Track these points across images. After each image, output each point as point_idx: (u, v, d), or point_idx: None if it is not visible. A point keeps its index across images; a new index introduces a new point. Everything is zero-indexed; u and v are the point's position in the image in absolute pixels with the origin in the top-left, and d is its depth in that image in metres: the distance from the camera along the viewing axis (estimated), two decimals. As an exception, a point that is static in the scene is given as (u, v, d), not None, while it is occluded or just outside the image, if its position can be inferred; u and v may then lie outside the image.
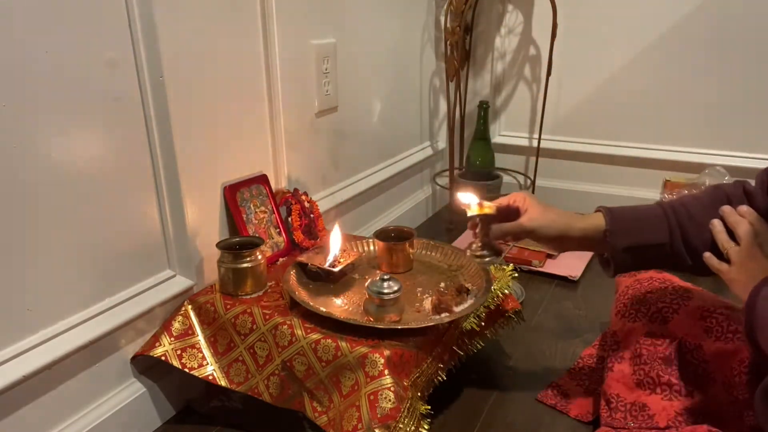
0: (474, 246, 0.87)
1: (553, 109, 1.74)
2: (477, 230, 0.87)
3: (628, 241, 0.81)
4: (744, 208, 0.78)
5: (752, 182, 0.83)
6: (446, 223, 1.73)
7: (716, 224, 0.79)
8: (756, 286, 0.69)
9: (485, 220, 0.85)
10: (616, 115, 1.69)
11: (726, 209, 0.79)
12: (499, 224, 0.85)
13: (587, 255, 1.49)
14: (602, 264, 0.88)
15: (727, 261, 0.77)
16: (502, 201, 0.86)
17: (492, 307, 0.97)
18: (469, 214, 0.85)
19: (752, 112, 1.54)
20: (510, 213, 0.86)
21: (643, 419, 0.83)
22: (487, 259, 0.87)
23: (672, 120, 1.63)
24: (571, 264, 1.43)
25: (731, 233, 0.78)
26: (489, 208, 0.85)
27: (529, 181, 1.83)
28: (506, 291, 1.00)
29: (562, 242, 0.84)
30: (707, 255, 0.79)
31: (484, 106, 1.71)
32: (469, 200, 0.85)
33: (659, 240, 0.81)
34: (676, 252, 0.81)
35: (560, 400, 0.98)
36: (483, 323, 0.95)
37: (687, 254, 0.81)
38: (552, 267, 1.42)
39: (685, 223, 0.81)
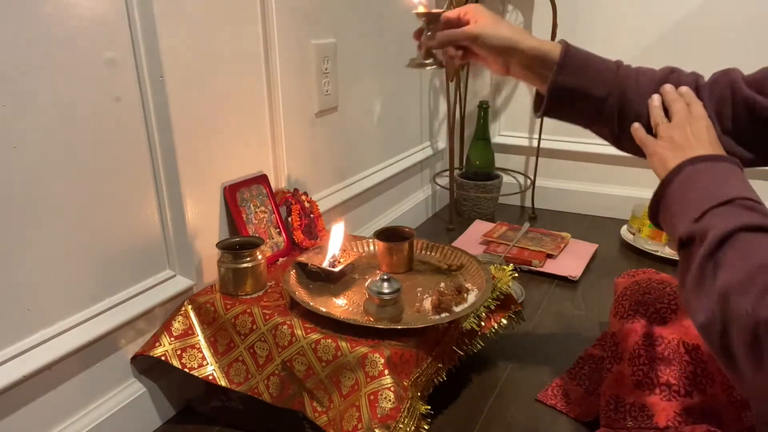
0: (417, 54, 0.83)
1: (553, 109, 1.74)
2: (422, 37, 0.83)
3: (571, 82, 0.77)
4: (684, 89, 0.76)
5: (706, 79, 0.80)
6: (446, 223, 1.73)
7: (655, 98, 0.76)
8: (679, 164, 0.67)
9: (432, 23, 0.81)
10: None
11: (667, 87, 0.76)
12: (445, 30, 0.80)
13: (587, 255, 1.49)
14: (535, 103, 0.85)
15: (655, 136, 0.75)
16: (452, 11, 0.82)
17: (492, 307, 0.97)
18: (414, 12, 0.81)
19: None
20: (460, 26, 0.80)
21: (642, 419, 0.83)
22: (428, 68, 0.83)
23: (672, 120, 1.63)
24: (571, 264, 1.43)
25: (667, 113, 0.75)
26: (436, 10, 0.81)
27: (529, 182, 1.83)
28: (506, 291, 1.00)
29: (508, 56, 0.79)
30: (636, 125, 0.76)
31: (484, 106, 1.71)
32: (417, 0, 0.82)
33: (599, 93, 0.78)
34: (607, 112, 0.78)
35: (560, 400, 0.98)
36: (483, 323, 0.95)
37: (617, 120, 0.78)
38: (552, 267, 1.42)
39: (631, 88, 0.77)
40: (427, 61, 0.83)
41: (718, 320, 0.55)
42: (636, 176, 1.70)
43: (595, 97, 0.78)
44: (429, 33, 0.81)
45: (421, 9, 0.81)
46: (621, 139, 0.80)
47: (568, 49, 0.78)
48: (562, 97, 0.79)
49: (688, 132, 0.71)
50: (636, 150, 0.78)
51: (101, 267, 0.83)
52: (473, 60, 0.83)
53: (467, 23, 0.80)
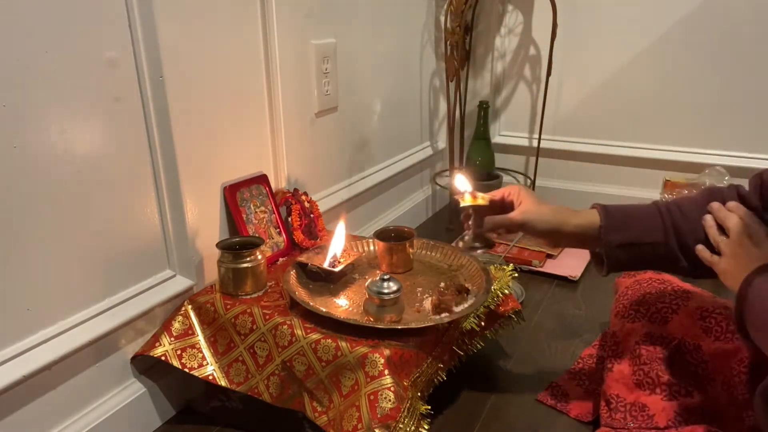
0: (466, 237, 0.87)
1: (553, 109, 1.74)
2: (470, 222, 0.86)
3: (622, 238, 0.81)
4: (732, 204, 0.79)
5: (747, 186, 0.83)
6: (446, 223, 1.73)
7: (708, 219, 0.79)
8: (748, 275, 0.70)
9: (478, 211, 0.85)
10: (616, 115, 1.69)
11: (714, 205, 0.80)
12: (492, 216, 0.84)
13: (587, 255, 1.48)
14: (595, 262, 0.87)
15: (719, 254, 0.77)
16: (496, 194, 0.86)
17: (492, 307, 0.97)
18: (462, 204, 0.85)
19: (752, 111, 1.54)
20: (504, 207, 0.85)
21: (642, 419, 0.83)
22: (478, 251, 0.87)
23: (672, 120, 1.63)
24: (571, 264, 1.43)
25: (723, 229, 0.78)
26: (482, 199, 0.85)
27: (529, 181, 1.83)
28: (506, 291, 1.00)
29: (556, 237, 0.84)
30: (700, 247, 0.79)
31: (484, 106, 1.71)
32: (463, 189, 0.86)
33: (654, 238, 0.80)
34: (671, 251, 0.81)
35: (560, 401, 0.98)
36: (483, 323, 0.95)
37: (681, 254, 0.81)
38: (552, 267, 1.42)
39: (680, 222, 0.81)
40: (477, 245, 0.88)
41: None
42: (636, 176, 1.70)
43: (652, 242, 0.81)
44: (476, 218, 0.86)
45: (469, 200, 0.85)
46: (695, 268, 0.82)
47: (605, 211, 0.82)
48: (621, 253, 0.81)
49: (747, 242, 0.75)
50: (711, 272, 0.79)
51: (101, 267, 0.83)
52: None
53: (511, 204, 0.85)
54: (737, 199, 0.80)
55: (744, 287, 0.69)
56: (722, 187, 0.84)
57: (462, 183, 0.86)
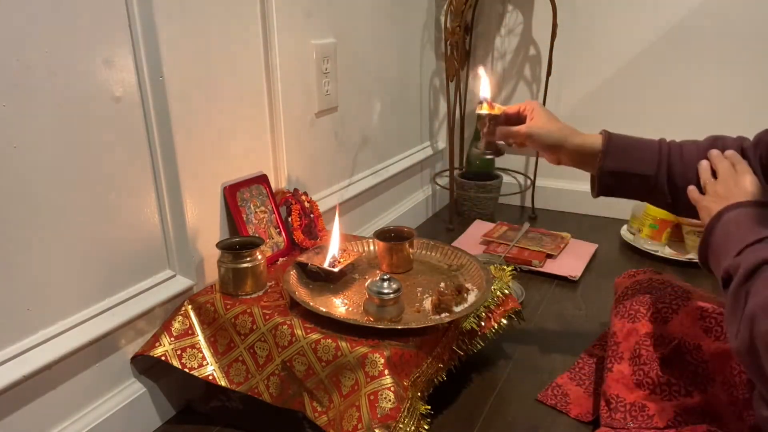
0: (480, 144, 0.94)
1: (553, 109, 1.71)
2: (484, 130, 0.93)
3: (615, 165, 0.87)
4: (729, 152, 0.82)
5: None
6: (446, 223, 1.73)
7: (703, 163, 0.83)
8: (720, 210, 0.73)
9: (493, 120, 0.91)
10: (616, 115, 1.69)
11: (714, 152, 0.83)
12: (505, 127, 0.91)
13: (587, 255, 1.49)
14: (592, 184, 0.93)
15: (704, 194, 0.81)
16: (513, 108, 0.93)
17: (492, 307, 0.97)
18: (479, 111, 0.92)
19: (752, 111, 1.54)
20: (520, 120, 0.92)
21: (642, 419, 0.83)
22: (488, 157, 0.94)
23: (672, 120, 1.63)
24: (571, 264, 1.43)
25: (715, 175, 0.81)
26: (498, 109, 0.92)
27: (529, 182, 1.83)
28: (506, 291, 1.00)
29: (557, 152, 0.90)
30: (692, 188, 0.82)
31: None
32: (483, 97, 0.91)
33: (644, 170, 0.86)
34: (659, 185, 0.86)
35: (560, 400, 0.98)
36: (483, 323, 0.95)
37: (668, 189, 0.86)
38: (552, 267, 1.42)
39: (675, 160, 0.85)
40: (488, 152, 0.95)
41: (747, 343, 0.59)
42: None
43: (643, 175, 0.86)
44: (490, 127, 0.92)
45: (486, 109, 0.91)
46: (677, 206, 0.88)
47: (609, 137, 0.88)
48: (612, 179, 0.88)
49: (731, 184, 0.77)
50: (692, 213, 0.83)
51: (101, 267, 0.83)
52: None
53: (525, 118, 0.91)
54: (739, 150, 0.83)
55: (714, 220, 0.73)
56: (728, 137, 0.87)
57: (484, 89, 0.92)
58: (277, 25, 1.03)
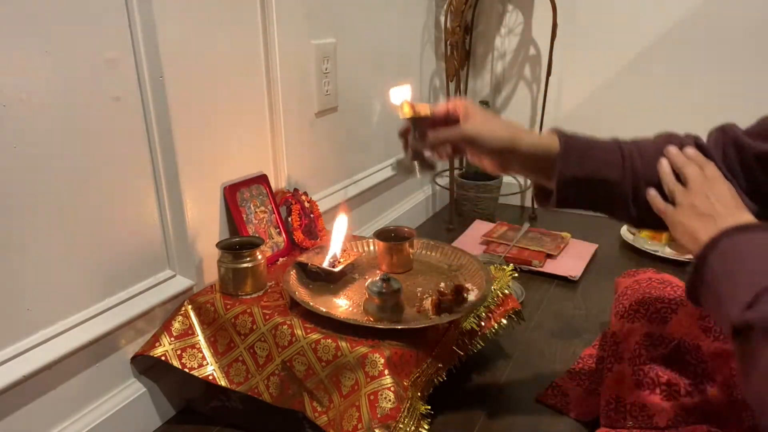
0: (403, 157, 0.76)
1: (553, 109, 1.74)
2: (409, 137, 0.76)
3: (580, 171, 0.72)
4: (690, 151, 0.71)
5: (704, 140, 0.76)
6: (446, 223, 1.73)
7: (664, 164, 0.71)
8: (713, 238, 0.61)
9: (419, 125, 0.74)
10: (616, 115, 1.69)
11: (672, 149, 0.72)
12: (436, 129, 0.74)
13: (587, 255, 1.49)
14: (540, 196, 0.79)
15: (673, 203, 0.70)
16: (440, 107, 0.76)
17: (492, 307, 0.97)
18: (401, 116, 0.74)
19: (751, 112, 1.53)
20: (449, 123, 0.75)
21: (642, 419, 0.83)
22: (418, 173, 0.76)
23: (671, 120, 1.63)
24: (571, 264, 1.43)
25: (680, 178, 0.70)
26: (424, 109, 0.74)
27: (529, 182, 1.83)
28: (506, 291, 1.00)
29: (506, 157, 0.74)
30: (653, 192, 0.71)
31: (484, 106, 1.71)
32: (402, 99, 0.74)
33: (611, 176, 0.72)
34: (623, 193, 0.73)
35: (560, 400, 0.98)
36: (483, 323, 0.95)
37: (632, 197, 0.73)
38: (552, 267, 1.42)
39: (637, 163, 0.72)
40: (415, 165, 0.76)
41: None
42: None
43: (609, 181, 0.73)
44: (417, 134, 0.75)
45: (407, 110, 0.74)
46: (641, 216, 0.74)
47: (566, 138, 0.74)
48: (573, 188, 0.74)
49: (709, 197, 0.66)
50: (658, 224, 0.72)
51: (101, 267, 0.83)
52: (464, 155, 0.78)
53: (457, 119, 0.75)
54: (694, 146, 0.73)
55: (707, 249, 0.61)
56: (679, 134, 0.76)
57: (399, 94, 0.75)
58: (277, 25, 1.03)
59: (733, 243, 0.60)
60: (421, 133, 0.74)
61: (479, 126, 0.73)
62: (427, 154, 0.76)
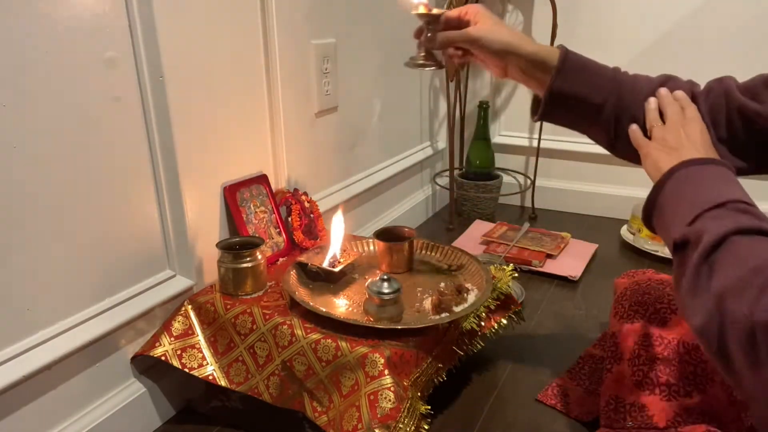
0: (416, 53, 0.82)
1: (553, 109, 1.74)
2: (422, 37, 0.81)
3: (567, 87, 0.77)
4: (679, 93, 0.76)
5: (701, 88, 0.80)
6: (446, 223, 1.73)
7: (651, 101, 0.76)
8: (671, 167, 0.67)
9: (432, 24, 0.80)
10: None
11: (662, 91, 0.76)
12: (446, 31, 0.80)
13: (587, 255, 1.49)
14: (532, 107, 0.85)
15: (649, 138, 0.75)
16: (453, 11, 0.81)
17: (492, 307, 0.97)
18: (414, 13, 0.79)
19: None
20: (461, 26, 0.81)
21: (642, 419, 0.83)
22: (427, 69, 0.83)
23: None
24: (571, 264, 1.43)
25: (663, 117, 0.75)
26: (437, 10, 0.80)
27: (529, 182, 1.83)
28: (506, 291, 1.00)
29: (507, 60, 0.79)
30: (634, 127, 0.77)
31: (484, 106, 1.71)
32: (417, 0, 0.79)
33: (594, 99, 0.77)
34: (604, 118, 0.78)
35: (560, 400, 0.98)
36: (483, 323, 0.95)
37: (613, 125, 0.78)
38: (552, 267, 1.42)
39: (626, 93, 0.77)
40: (427, 62, 0.82)
41: (714, 323, 0.55)
42: (636, 176, 1.69)
43: (592, 102, 0.78)
44: (429, 34, 0.80)
45: (422, 9, 0.79)
46: (616, 145, 0.80)
47: (566, 54, 0.78)
48: (559, 101, 0.79)
49: (681, 134, 0.71)
50: (630, 155, 0.78)
51: (101, 267, 0.83)
52: (472, 60, 0.84)
53: (467, 23, 0.80)
54: (690, 95, 0.77)
55: (665, 177, 0.67)
56: (680, 79, 0.80)
57: None
58: (277, 25, 1.03)
59: (687, 172, 0.66)
60: (432, 33, 0.80)
61: (485, 30, 0.78)
62: (437, 52, 0.82)
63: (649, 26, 1.58)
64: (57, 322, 0.79)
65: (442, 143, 1.79)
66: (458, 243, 1.55)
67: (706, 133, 0.72)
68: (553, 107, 0.80)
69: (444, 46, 0.81)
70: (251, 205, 1.02)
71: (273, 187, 1.09)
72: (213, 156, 0.96)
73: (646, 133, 0.76)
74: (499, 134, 1.89)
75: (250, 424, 0.93)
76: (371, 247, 1.08)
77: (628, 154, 0.78)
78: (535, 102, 0.84)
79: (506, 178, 1.85)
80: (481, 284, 0.94)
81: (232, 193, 0.99)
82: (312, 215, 1.11)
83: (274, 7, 1.01)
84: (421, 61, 0.82)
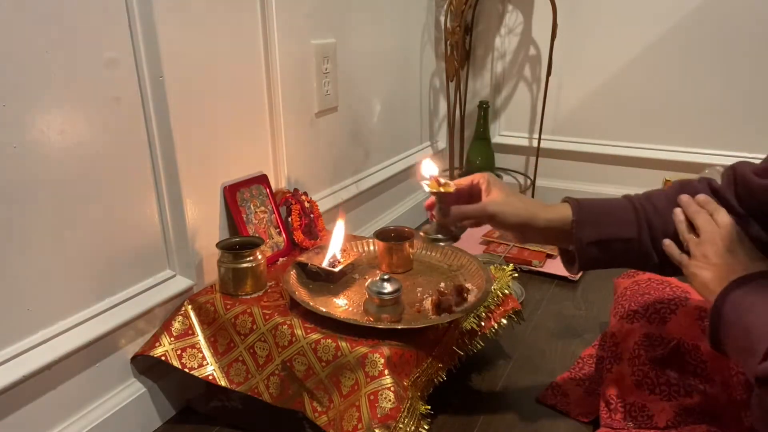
0: (428, 227, 0.81)
1: (553, 109, 1.74)
2: (434, 211, 0.79)
3: (596, 234, 0.76)
4: (702, 197, 0.74)
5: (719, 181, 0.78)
6: (446, 223, 1.73)
7: (678, 213, 0.75)
8: (723, 289, 0.65)
9: (443, 199, 0.78)
10: (616, 115, 1.69)
11: (684, 198, 0.75)
12: (459, 206, 0.78)
13: (587, 255, 1.49)
14: (565, 260, 0.84)
15: (688, 253, 0.73)
16: (464, 181, 0.80)
17: (492, 307, 0.97)
18: (426, 190, 0.78)
19: (752, 111, 1.54)
20: (471, 195, 0.80)
21: (642, 420, 0.83)
22: (441, 243, 0.81)
23: (672, 120, 1.63)
24: (571, 264, 1.43)
25: (693, 226, 0.73)
26: (448, 186, 0.77)
27: (528, 181, 1.83)
28: (506, 291, 1.00)
29: (525, 231, 0.78)
30: (667, 242, 0.75)
31: (484, 106, 1.71)
32: (428, 174, 0.79)
33: (627, 234, 0.76)
34: (644, 248, 0.76)
35: (560, 400, 0.98)
36: (483, 323, 0.95)
37: (653, 250, 0.76)
38: (552, 267, 1.42)
39: (652, 216, 0.76)
40: (443, 237, 0.80)
41: None
42: (636, 176, 1.70)
43: (625, 238, 0.76)
44: (441, 208, 0.78)
45: (431, 188, 0.77)
46: (665, 269, 0.78)
47: (578, 204, 0.77)
48: (594, 250, 0.77)
49: (719, 246, 0.69)
50: (680, 271, 0.75)
51: (101, 267, 0.83)
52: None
53: (479, 192, 0.79)
54: (709, 193, 0.76)
55: (719, 303, 0.65)
56: (694, 181, 0.79)
57: (428, 168, 0.79)
58: (277, 25, 1.03)
59: (743, 294, 0.63)
60: (445, 207, 0.78)
61: (499, 204, 0.77)
62: (451, 227, 0.80)
63: (650, 26, 1.58)
64: (57, 322, 0.79)
65: (442, 143, 1.79)
66: (458, 243, 1.54)
67: (745, 237, 0.70)
68: (589, 257, 0.78)
69: (458, 220, 0.79)
70: (251, 205, 1.02)
71: (273, 187, 1.09)
72: (213, 156, 0.96)
73: (681, 246, 0.74)
74: (499, 134, 1.89)
75: (250, 424, 0.93)
76: (371, 247, 1.08)
77: (677, 271, 0.75)
78: (563, 253, 0.84)
79: (506, 178, 1.85)
80: (481, 284, 0.94)
81: (232, 193, 0.99)
82: (312, 215, 1.11)
83: (274, 7, 1.01)
84: (435, 236, 0.80)
